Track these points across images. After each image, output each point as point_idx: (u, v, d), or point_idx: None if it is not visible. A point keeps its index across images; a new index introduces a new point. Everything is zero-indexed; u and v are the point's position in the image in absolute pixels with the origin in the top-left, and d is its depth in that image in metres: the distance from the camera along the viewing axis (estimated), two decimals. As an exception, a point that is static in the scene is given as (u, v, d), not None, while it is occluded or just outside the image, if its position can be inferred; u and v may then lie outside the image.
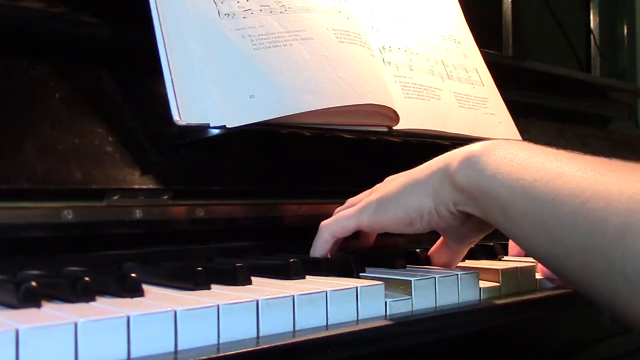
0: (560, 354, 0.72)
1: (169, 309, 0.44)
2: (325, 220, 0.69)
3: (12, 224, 0.59)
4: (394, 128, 0.82)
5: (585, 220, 0.49)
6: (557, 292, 0.68)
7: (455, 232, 0.67)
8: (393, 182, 0.66)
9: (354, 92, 0.76)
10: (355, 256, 0.66)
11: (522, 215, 0.54)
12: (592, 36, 1.75)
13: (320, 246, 0.68)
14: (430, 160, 0.64)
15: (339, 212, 0.71)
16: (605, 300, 0.49)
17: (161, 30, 0.69)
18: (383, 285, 0.55)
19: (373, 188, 0.70)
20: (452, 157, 0.61)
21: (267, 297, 0.49)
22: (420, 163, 0.86)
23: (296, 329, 0.49)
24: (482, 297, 0.63)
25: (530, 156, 0.56)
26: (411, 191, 0.63)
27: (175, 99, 0.67)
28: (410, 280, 0.58)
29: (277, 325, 0.49)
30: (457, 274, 0.61)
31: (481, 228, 0.66)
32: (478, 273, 0.63)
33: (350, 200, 0.72)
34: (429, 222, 0.63)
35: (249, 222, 0.75)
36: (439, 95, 0.91)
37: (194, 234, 0.72)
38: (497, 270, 0.66)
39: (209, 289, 0.53)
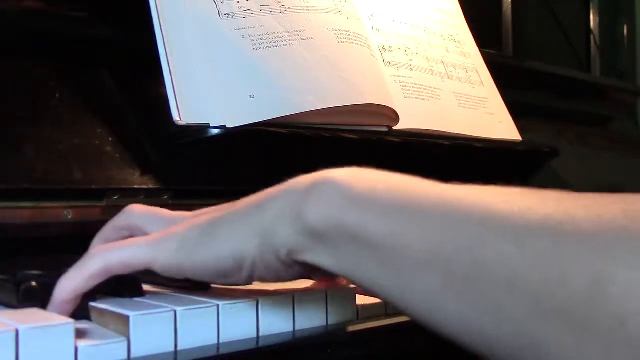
0: None
1: (169, 309, 0.44)
2: (104, 244, 0.50)
3: (12, 224, 0.59)
4: (394, 128, 0.82)
5: (529, 263, 0.33)
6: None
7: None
8: (207, 214, 0.47)
9: (354, 92, 0.76)
10: None
11: (414, 267, 0.37)
12: (592, 36, 1.74)
13: (83, 283, 0.46)
14: (262, 191, 0.45)
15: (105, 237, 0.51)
16: None
17: (161, 30, 0.69)
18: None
19: (193, 213, 0.50)
20: (295, 185, 0.43)
21: (267, 297, 0.49)
22: (420, 163, 0.86)
23: (296, 328, 0.49)
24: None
25: (419, 185, 0.39)
26: (228, 227, 0.44)
27: (175, 99, 0.67)
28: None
29: (277, 325, 0.49)
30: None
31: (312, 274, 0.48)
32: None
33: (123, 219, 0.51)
34: (250, 276, 0.44)
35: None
36: (439, 95, 0.91)
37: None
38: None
39: (209, 289, 0.53)
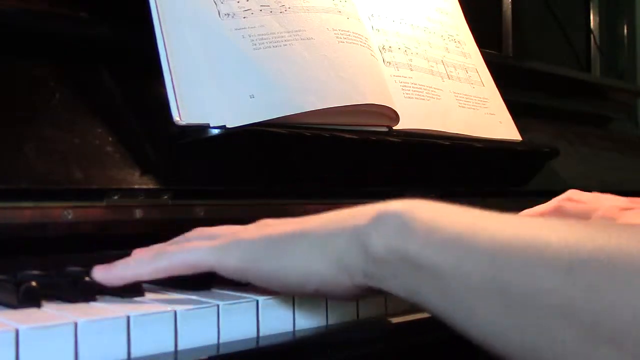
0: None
1: (169, 309, 0.44)
2: (172, 246, 0.52)
3: (12, 224, 0.59)
4: (394, 128, 0.82)
5: (579, 293, 0.35)
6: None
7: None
8: (274, 227, 0.50)
9: (354, 92, 0.76)
10: None
11: (473, 294, 0.39)
12: (592, 36, 1.74)
13: (149, 272, 0.50)
14: (330, 212, 0.47)
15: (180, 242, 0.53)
16: None
17: (161, 30, 0.69)
18: None
19: (235, 227, 0.53)
20: (361, 214, 0.45)
21: (267, 297, 0.49)
22: (420, 163, 0.86)
23: (296, 328, 0.49)
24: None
25: (474, 217, 0.41)
26: (303, 247, 0.46)
27: (175, 99, 0.67)
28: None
29: (277, 325, 0.48)
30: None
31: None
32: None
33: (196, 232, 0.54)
34: (315, 291, 0.46)
35: (249, 222, 0.74)
36: (439, 95, 0.91)
37: (194, 234, 0.71)
38: None
39: (209, 289, 0.53)
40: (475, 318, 0.39)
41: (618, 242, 0.36)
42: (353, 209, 0.46)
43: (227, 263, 0.48)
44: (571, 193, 0.79)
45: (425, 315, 0.52)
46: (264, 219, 0.53)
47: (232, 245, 0.49)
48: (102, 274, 0.50)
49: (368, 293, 0.46)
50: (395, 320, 0.55)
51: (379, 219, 0.43)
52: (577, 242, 0.37)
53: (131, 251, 0.67)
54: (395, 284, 0.43)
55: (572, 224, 0.39)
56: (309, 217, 0.48)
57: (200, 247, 0.50)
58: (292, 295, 0.50)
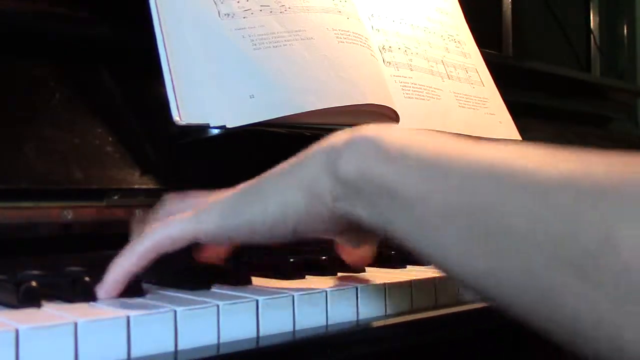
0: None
1: (169, 309, 0.44)
2: (150, 227, 0.50)
3: (12, 224, 0.59)
4: (394, 128, 0.82)
5: (548, 217, 0.34)
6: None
7: (340, 239, 0.53)
8: (245, 183, 0.50)
9: (354, 92, 0.76)
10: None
11: (439, 218, 0.38)
12: (592, 36, 1.74)
13: (134, 262, 0.49)
14: (301, 152, 0.48)
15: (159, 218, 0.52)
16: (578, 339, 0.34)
17: (161, 30, 0.69)
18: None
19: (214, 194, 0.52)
20: (334, 140, 0.45)
21: (267, 297, 0.49)
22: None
23: (296, 329, 0.49)
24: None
25: (447, 141, 0.40)
26: (273, 184, 0.46)
27: (175, 99, 0.67)
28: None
29: (277, 325, 0.49)
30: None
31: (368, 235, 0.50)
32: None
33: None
34: (295, 227, 0.46)
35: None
36: (439, 95, 0.91)
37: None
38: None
39: (209, 289, 0.53)
40: (444, 244, 0.38)
41: (588, 165, 0.35)
42: (324, 139, 0.46)
43: (207, 227, 0.48)
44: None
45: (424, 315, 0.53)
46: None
47: (208, 209, 0.49)
48: (100, 291, 0.49)
49: (345, 226, 0.45)
50: (394, 320, 0.55)
51: (350, 141, 0.43)
52: (549, 164, 0.36)
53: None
54: (363, 209, 0.42)
55: (547, 148, 0.38)
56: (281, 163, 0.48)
57: (178, 219, 0.49)
58: (272, 242, 0.49)
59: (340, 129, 0.77)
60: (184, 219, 0.49)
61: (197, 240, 0.50)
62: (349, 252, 0.57)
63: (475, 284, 0.38)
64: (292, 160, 0.47)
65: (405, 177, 0.39)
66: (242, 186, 0.49)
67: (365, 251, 0.56)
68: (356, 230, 0.46)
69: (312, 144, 0.48)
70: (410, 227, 0.40)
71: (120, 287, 0.49)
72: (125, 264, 0.49)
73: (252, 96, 0.69)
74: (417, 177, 0.39)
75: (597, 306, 0.33)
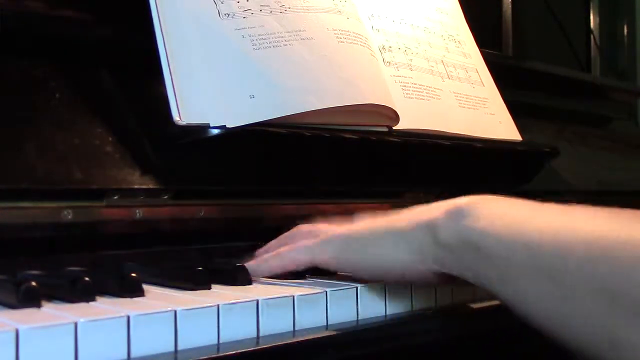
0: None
1: (169, 309, 0.44)
2: (284, 247, 0.63)
3: (12, 224, 0.59)
4: (394, 128, 0.82)
5: (607, 268, 0.42)
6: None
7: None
8: (364, 223, 0.59)
9: (354, 92, 0.76)
10: None
11: (522, 275, 0.46)
12: (592, 36, 1.75)
13: (264, 273, 0.62)
14: (410, 210, 0.57)
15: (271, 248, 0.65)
16: None
17: (161, 30, 0.69)
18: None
19: (321, 226, 0.64)
20: (436, 209, 0.54)
21: (267, 297, 0.49)
22: (421, 163, 0.86)
23: (296, 329, 0.49)
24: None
25: (527, 210, 0.50)
26: (394, 242, 0.55)
27: (175, 99, 0.67)
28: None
29: (277, 325, 0.49)
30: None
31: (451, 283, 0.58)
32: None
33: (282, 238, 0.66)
34: (402, 277, 0.56)
35: (249, 222, 0.75)
36: (439, 95, 0.91)
37: (194, 234, 0.72)
38: None
39: (209, 289, 0.53)
40: (527, 297, 0.46)
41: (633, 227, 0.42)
42: (429, 205, 0.55)
43: (322, 257, 0.59)
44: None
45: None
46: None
47: (325, 242, 0.59)
48: (253, 267, 0.61)
49: (441, 281, 0.54)
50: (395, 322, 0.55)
51: (448, 212, 0.52)
52: (609, 226, 0.44)
53: (131, 251, 0.68)
54: (459, 266, 0.51)
55: (605, 212, 0.46)
56: (393, 217, 0.57)
57: (303, 245, 0.61)
58: (376, 280, 0.57)
59: (340, 129, 0.77)
60: (308, 246, 0.60)
61: (313, 265, 0.60)
62: None
63: (553, 331, 0.46)
64: (401, 219, 0.56)
65: (495, 240, 0.48)
66: (356, 227, 0.59)
67: None
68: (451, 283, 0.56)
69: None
70: (499, 282, 0.48)
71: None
72: (259, 273, 0.61)
73: (252, 96, 0.69)
74: (504, 241, 0.48)
75: None
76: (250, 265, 0.61)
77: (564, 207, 0.49)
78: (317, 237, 0.61)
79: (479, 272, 0.49)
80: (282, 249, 0.62)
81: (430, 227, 0.52)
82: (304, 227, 0.66)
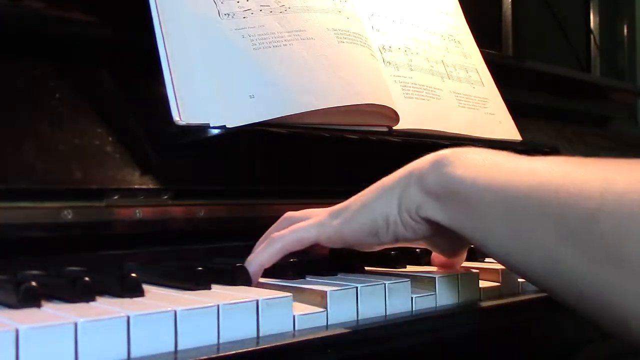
0: (557, 355, 0.72)
1: (169, 309, 0.44)
2: (280, 231, 0.62)
3: (12, 224, 0.59)
4: (394, 128, 0.82)
5: (557, 208, 0.46)
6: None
7: (433, 245, 0.65)
8: (358, 194, 0.62)
9: (354, 92, 0.76)
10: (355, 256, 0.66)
11: (491, 216, 0.51)
12: (592, 36, 1.75)
13: (268, 258, 0.61)
14: (403, 167, 0.60)
15: (281, 225, 0.65)
16: (592, 308, 0.46)
17: (161, 30, 0.69)
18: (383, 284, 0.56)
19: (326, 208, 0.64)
20: (421, 162, 0.58)
21: (267, 297, 0.49)
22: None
23: (296, 329, 0.49)
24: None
25: (502, 160, 0.54)
26: (378, 197, 0.59)
27: (175, 99, 0.67)
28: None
29: (277, 325, 0.49)
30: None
31: (455, 239, 0.60)
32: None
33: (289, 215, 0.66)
34: (394, 233, 0.58)
35: (249, 222, 0.75)
36: (439, 95, 0.91)
37: (194, 234, 0.72)
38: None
39: (209, 289, 0.53)
40: (494, 234, 0.51)
41: (606, 176, 0.46)
42: (416, 160, 0.58)
43: (328, 232, 0.60)
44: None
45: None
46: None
47: (326, 218, 0.61)
48: (253, 257, 0.61)
49: (427, 233, 0.58)
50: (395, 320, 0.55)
51: (432, 163, 0.56)
52: (563, 169, 0.48)
53: (131, 251, 0.68)
54: (439, 210, 0.55)
55: (572, 159, 0.50)
56: (377, 183, 0.60)
57: (302, 226, 0.61)
58: (379, 246, 0.61)
59: (340, 129, 0.77)
60: (309, 225, 0.61)
61: (317, 242, 0.61)
62: (441, 260, 0.67)
63: (516, 268, 0.51)
64: (389, 178, 0.59)
65: (471, 186, 0.52)
66: (352, 199, 0.61)
67: (457, 260, 0.67)
68: (441, 238, 0.61)
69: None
70: (471, 223, 0.53)
71: (258, 277, 0.60)
72: (259, 262, 0.60)
73: (252, 96, 0.69)
74: (477, 187, 0.52)
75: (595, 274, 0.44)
76: (249, 258, 0.61)
77: (538, 158, 0.52)
78: (315, 216, 0.62)
79: (457, 215, 0.54)
80: (275, 234, 0.62)
81: (418, 177, 0.56)
82: (293, 213, 0.66)
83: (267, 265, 0.60)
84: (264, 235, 0.66)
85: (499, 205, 0.50)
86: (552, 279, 0.48)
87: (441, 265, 0.68)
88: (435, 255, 0.68)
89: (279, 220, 0.66)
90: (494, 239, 0.51)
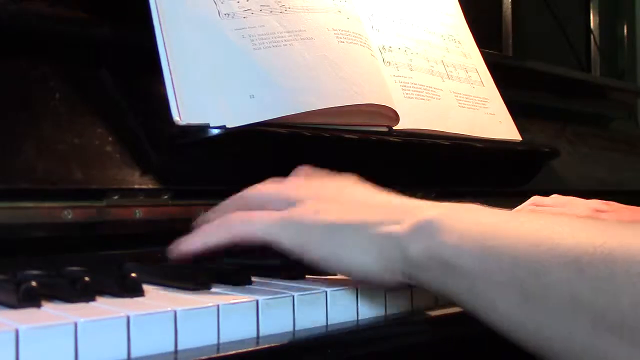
0: None
1: (169, 309, 0.44)
2: (237, 214, 0.56)
3: (12, 224, 0.59)
4: (394, 128, 0.82)
5: (586, 287, 0.40)
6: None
7: None
8: (328, 212, 0.54)
9: (354, 92, 0.76)
10: None
11: (496, 291, 0.45)
12: (592, 36, 1.75)
13: (215, 241, 0.55)
14: (386, 206, 0.54)
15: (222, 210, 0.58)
16: None
17: (161, 30, 0.69)
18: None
19: (294, 189, 0.58)
20: (400, 218, 0.51)
21: (267, 297, 0.49)
22: (421, 163, 0.86)
23: (296, 329, 0.49)
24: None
25: (500, 220, 0.48)
26: (356, 242, 0.52)
27: (175, 99, 0.67)
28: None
29: (277, 325, 0.48)
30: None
31: None
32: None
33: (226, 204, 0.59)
34: (362, 279, 0.53)
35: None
36: (439, 95, 0.91)
37: (194, 234, 0.71)
38: None
39: (209, 289, 0.53)
40: (497, 310, 0.45)
41: (619, 238, 0.41)
42: (391, 207, 0.53)
43: (283, 242, 0.54)
44: (534, 199, 0.88)
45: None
46: (305, 168, 0.61)
47: (288, 225, 0.54)
48: (173, 249, 0.55)
49: (404, 286, 0.52)
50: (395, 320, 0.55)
51: (417, 227, 0.49)
52: (585, 240, 0.42)
53: (131, 251, 0.68)
54: (429, 282, 0.49)
55: (581, 222, 0.44)
56: (357, 204, 0.54)
57: (259, 221, 0.54)
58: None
59: (340, 129, 0.77)
60: (264, 225, 0.54)
61: (263, 244, 0.54)
62: None
63: (532, 348, 0.45)
64: (374, 223, 0.52)
65: (466, 256, 0.46)
66: (323, 217, 0.53)
67: None
68: None
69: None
70: (472, 298, 0.47)
71: (190, 258, 0.55)
72: (204, 241, 0.55)
73: (252, 96, 0.69)
74: (475, 256, 0.46)
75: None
76: (186, 238, 0.55)
77: (539, 217, 0.47)
78: (278, 213, 0.55)
79: (453, 289, 0.48)
80: (230, 217, 0.56)
81: (399, 243, 0.50)
82: (253, 192, 0.59)
83: (211, 249, 0.55)
84: (216, 207, 0.60)
85: (508, 285, 0.44)
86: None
87: None
88: None
89: (236, 196, 0.59)
90: (505, 319, 0.45)
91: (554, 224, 0.45)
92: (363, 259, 0.51)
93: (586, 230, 0.43)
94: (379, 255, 0.51)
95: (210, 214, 0.60)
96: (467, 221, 0.48)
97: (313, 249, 0.53)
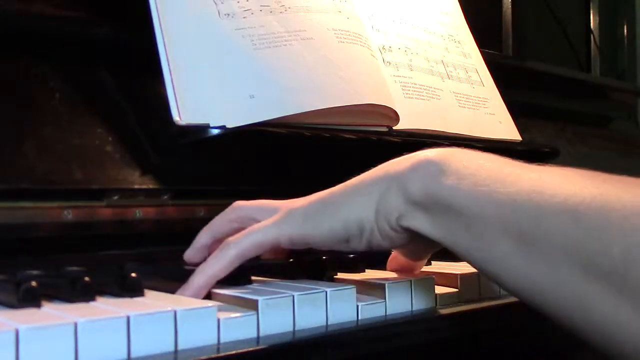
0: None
1: (169, 309, 0.44)
2: (233, 236, 0.55)
3: (12, 224, 0.59)
4: (394, 128, 0.82)
5: (581, 235, 0.41)
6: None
7: (404, 251, 0.60)
8: (324, 191, 0.55)
9: (354, 92, 0.76)
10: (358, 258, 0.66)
11: (493, 233, 0.45)
12: (592, 36, 1.74)
13: (222, 269, 0.53)
14: (375, 168, 0.53)
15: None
16: (608, 341, 0.41)
17: (161, 30, 0.69)
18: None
19: (283, 202, 0.57)
20: (400, 164, 0.51)
21: (267, 297, 0.49)
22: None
23: (296, 329, 0.49)
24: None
25: (500, 166, 0.47)
26: (351, 199, 0.52)
27: (175, 99, 0.67)
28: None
29: (277, 325, 0.49)
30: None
31: (431, 246, 0.56)
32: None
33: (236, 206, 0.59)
34: (368, 241, 0.52)
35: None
36: (439, 95, 0.91)
37: (194, 234, 0.71)
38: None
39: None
40: (492, 254, 0.45)
41: (616, 191, 0.42)
42: (395, 160, 0.52)
43: (290, 233, 0.53)
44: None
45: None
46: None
47: (287, 217, 0.54)
48: (185, 292, 0.53)
49: (405, 241, 0.52)
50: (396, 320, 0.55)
51: (417, 165, 0.49)
52: (583, 190, 0.43)
53: (131, 251, 0.68)
54: (426, 223, 0.49)
55: (580, 173, 0.45)
56: (352, 179, 0.54)
57: (258, 228, 0.54)
58: (346, 250, 0.54)
59: (340, 129, 0.77)
60: (266, 226, 0.54)
61: (278, 245, 0.54)
62: (400, 262, 0.62)
63: (511, 287, 0.46)
64: (365, 179, 0.53)
65: (466, 198, 0.46)
66: (318, 196, 0.54)
67: (418, 264, 0.62)
68: (416, 245, 0.55)
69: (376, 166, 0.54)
70: (468, 240, 0.47)
71: (205, 292, 0.53)
72: (210, 273, 0.53)
73: (252, 96, 0.69)
74: (474, 198, 0.46)
75: (622, 313, 0.39)
76: (194, 276, 0.53)
77: (540, 166, 0.47)
78: (275, 215, 0.55)
79: (449, 229, 0.48)
80: (230, 240, 0.54)
81: (399, 182, 0.50)
82: (243, 204, 0.59)
83: (221, 277, 0.54)
84: (205, 228, 0.60)
85: (506, 228, 0.44)
86: (572, 314, 0.42)
87: (399, 270, 0.63)
88: (393, 259, 0.63)
89: (226, 211, 0.59)
90: (498, 262, 0.45)
91: (555, 173, 0.46)
92: (362, 210, 0.51)
93: (584, 180, 0.44)
94: (379, 199, 0.50)
95: (201, 234, 0.60)
96: (467, 162, 0.48)
97: (315, 229, 0.53)
